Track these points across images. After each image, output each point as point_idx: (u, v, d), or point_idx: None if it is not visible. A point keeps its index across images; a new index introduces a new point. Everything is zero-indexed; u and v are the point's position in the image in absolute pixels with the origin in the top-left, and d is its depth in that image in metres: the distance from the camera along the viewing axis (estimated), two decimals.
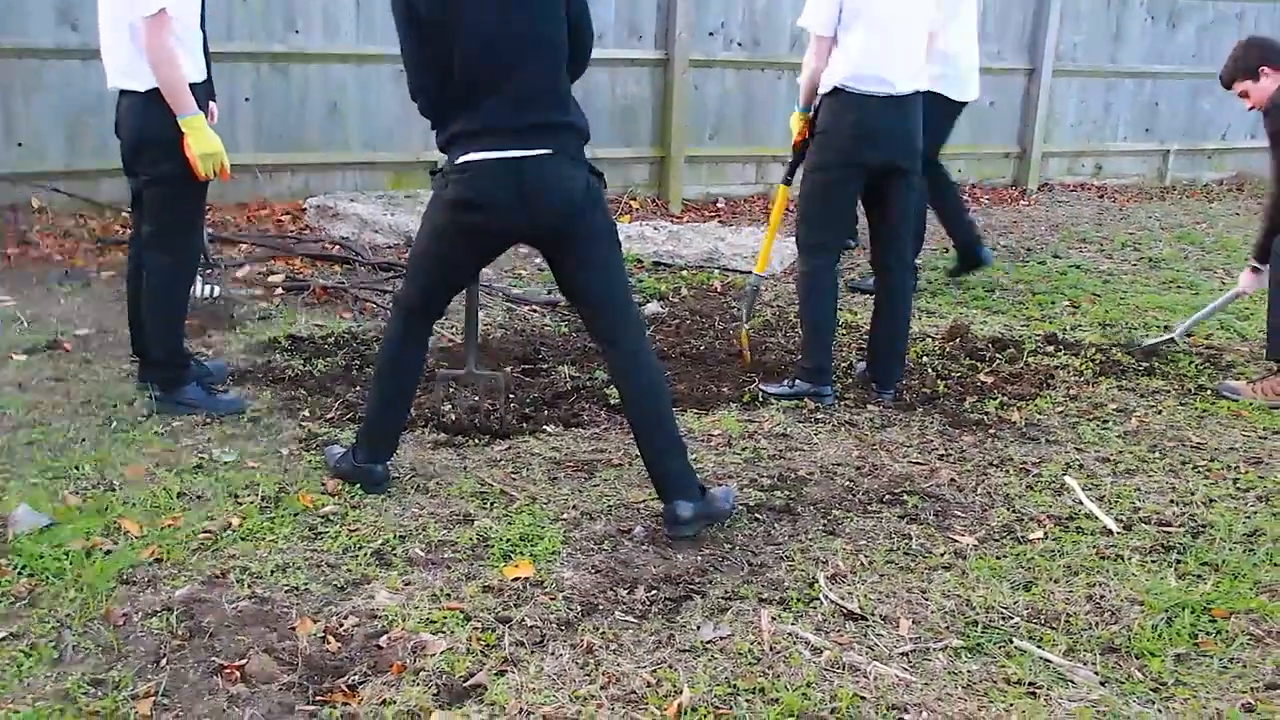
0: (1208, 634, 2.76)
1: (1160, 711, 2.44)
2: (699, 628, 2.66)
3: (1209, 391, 4.53)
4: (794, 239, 4.36)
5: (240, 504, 3.18)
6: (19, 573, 2.74)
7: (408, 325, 3.30)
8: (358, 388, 4.19)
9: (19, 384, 4.05)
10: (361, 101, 7.17)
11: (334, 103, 7.05)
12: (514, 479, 3.46)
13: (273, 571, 2.83)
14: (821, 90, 4.04)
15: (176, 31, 3.47)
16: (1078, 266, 6.91)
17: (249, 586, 2.75)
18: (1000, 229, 8.07)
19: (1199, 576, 3.04)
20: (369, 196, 6.92)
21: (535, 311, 5.42)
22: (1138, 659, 2.65)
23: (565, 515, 3.21)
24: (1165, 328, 5.37)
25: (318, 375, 4.32)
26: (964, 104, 5.71)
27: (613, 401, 4.10)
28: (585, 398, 4.18)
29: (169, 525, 3.03)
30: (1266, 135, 4.52)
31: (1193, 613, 2.84)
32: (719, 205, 8.48)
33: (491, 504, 3.27)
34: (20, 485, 3.23)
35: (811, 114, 4.13)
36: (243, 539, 2.99)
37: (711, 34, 8.25)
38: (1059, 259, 7.14)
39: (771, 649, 2.59)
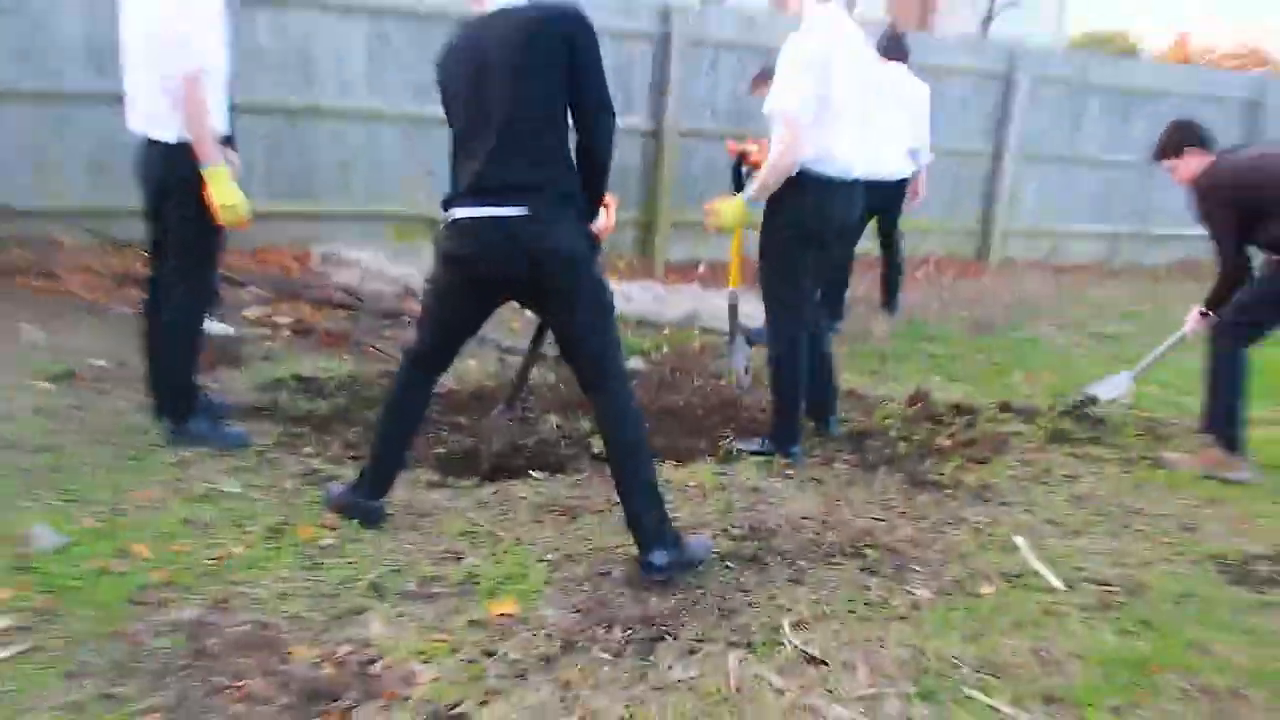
0: (1142, 688, 2.83)
1: None
2: (670, 667, 2.72)
3: (1149, 461, 4.64)
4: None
5: (245, 534, 3.23)
6: (38, 589, 2.78)
7: (412, 373, 3.39)
8: (358, 427, 4.25)
9: (41, 410, 4.10)
10: (369, 157, 7.30)
11: (343, 157, 7.18)
12: (501, 520, 3.52)
13: (274, 599, 2.87)
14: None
15: (207, 87, 3.57)
16: (1034, 340, 7.06)
17: (249, 611, 2.80)
18: (963, 302, 8.23)
19: (1135, 634, 3.12)
20: (372, 246, 7.01)
21: None
22: (1076, 708, 2.71)
23: (549, 556, 3.27)
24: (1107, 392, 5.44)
25: (320, 414, 4.38)
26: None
27: (596, 450, 4.18)
28: (571, 445, 4.25)
29: (178, 551, 3.08)
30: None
31: (1129, 668, 2.91)
32: (700, 269, 8.61)
33: (479, 543, 3.33)
34: (39, 506, 3.27)
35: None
36: (247, 567, 3.04)
37: (700, 107, 8.43)
38: (1016, 332, 7.28)
39: (738, 690, 2.65)
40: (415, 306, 6.37)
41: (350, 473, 3.71)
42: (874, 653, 2.90)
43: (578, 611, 2.96)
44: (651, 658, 2.76)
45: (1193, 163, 4.58)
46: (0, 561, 2.91)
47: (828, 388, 4.46)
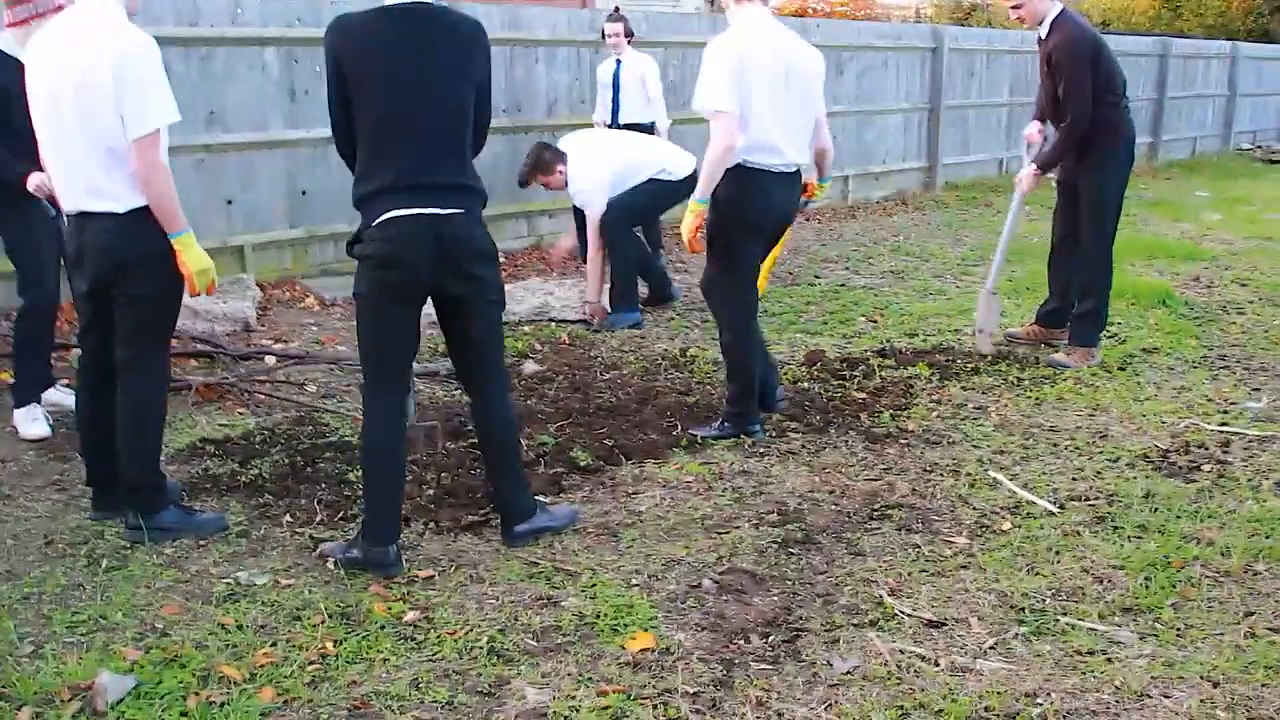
0: (1181, 583, 3.19)
1: (1196, 651, 2.81)
2: (830, 663, 2.76)
3: (1028, 383, 5.13)
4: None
5: (316, 627, 2.90)
6: None
7: (377, 403, 3.22)
8: (322, 483, 3.89)
9: None
10: None
11: None
12: (554, 554, 3.37)
13: (410, 691, 2.62)
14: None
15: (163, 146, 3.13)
16: (844, 285, 7.51)
17: (401, 711, 2.54)
18: None
19: (1141, 538, 3.50)
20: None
21: (433, 383, 5.21)
22: (1149, 613, 3.03)
23: (633, 581, 3.19)
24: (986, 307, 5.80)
25: (270, 478, 3.96)
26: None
27: (582, 463, 4.07)
28: (551, 463, 4.11)
29: (264, 663, 2.72)
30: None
31: (1158, 569, 3.27)
32: (501, 260, 8.42)
33: (558, 582, 3.18)
34: (60, 648, 2.77)
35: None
36: (350, 663, 2.74)
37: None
38: (821, 280, 7.72)
39: (900, 668, 2.73)
40: (266, 342, 5.86)
41: (344, 532, 3.46)
42: (969, 604, 3.08)
43: (703, 629, 2.92)
44: (804, 657, 2.79)
45: (1037, 4, 5.06)
46: None
47: (767, 364, 4.56)
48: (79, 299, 3.45)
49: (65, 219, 4.31)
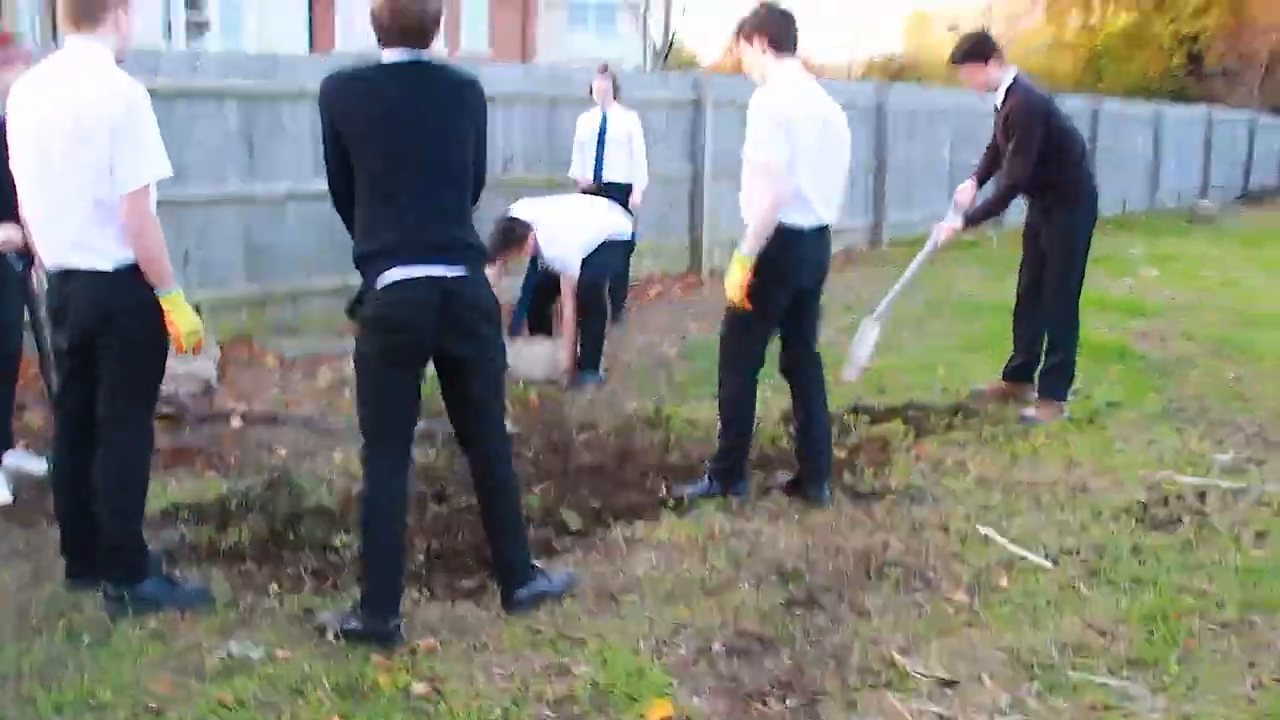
0: (1183, 635, 3.24)
1: (1208, 704, 2.86)
2: None
3: (1001, 438, 5.20)
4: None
5: (319, 702, 2.80)
6: None
7: (378, 466, 3.17)
8: (306, 551, 3.79)
9: None
10: None
11: None
12: (556, 620, 3.31)
13: None
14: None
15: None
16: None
17: None
18: (714, 313, 8.63)
19: (1136, 591, 3.56)
20: None
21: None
22: (1155, 667, 3.07)
23: (641, 646, 3.14)
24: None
25: (249, 544, 3.84)
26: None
27: (573, 527, 4.03)
28: (540, 525, 4.05)
29: None
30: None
31: (1157, 621, 3.32)
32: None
33: (564, 650, 3.12)
34: None
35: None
36: None
37: None
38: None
39: None
40: (229, 404, 5.72)
41: (332, 600, 3.38)
42: (979, 661, 3.09)
43: (720, 694, 2.89)
44: None
45: (994, 71, 5.21)
46: None
47: (822, 445, 4.44)
48: (60, 354, 3.34)
49: (38, 274, 4.21)
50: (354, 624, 3.12)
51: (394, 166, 3.02)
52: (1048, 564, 3.77)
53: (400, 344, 3.06)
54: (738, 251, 4.09)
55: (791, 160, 3.95)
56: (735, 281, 4.08)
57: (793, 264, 4.10)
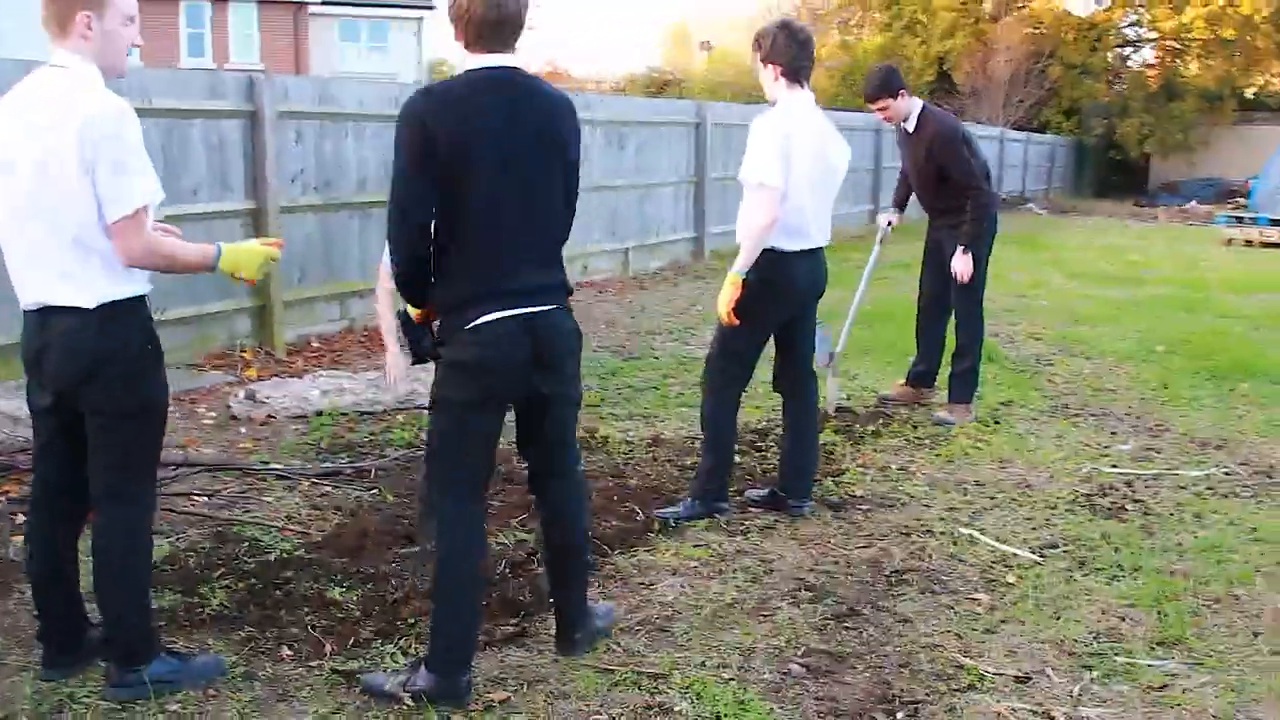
0: (1192, 613, 3.56)
1: (1244, 674, 3.16)
2: None
3: (928, 441, 5.50)
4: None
5: None
6: None
7: (458, 514, 3.00)
8: (304, 610, 3.52)
9: None
10: None
11: None
12: (618, 657, 3.24)
13: None
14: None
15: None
16: (687, 357, 7.68)
17: None
18: (587, 332, 8.60)
19: (1131, 575, 3.88)
20: (5, 388, 5.50)
21: (339, 486, 4.82)
22: (1181, 645, 3.36)
23: (726, 676, 3.12)
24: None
25: (241, 608, 3.52)
26: None
27: None
28: (540, 562, 3.92)
29: None
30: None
31: (1164, 601, 3.64)
32: (314, 345, 7.98)
33: (656, 689, 3.05)
34: None
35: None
36: None
37: (293, 180, 7.78)
38: (656, 351, 7.85)
39: None
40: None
41: (363, 662, 3.17)
42: (1034, 655, 3.30)
43: (828, 716, 2.92)
44: None
45: (902, 104, 5.56)
46: None
47: (806, 464, 4.54)
48: (37, 414, 2.96)
49: None
50: (420, 684, 2.94)
51: (492, 193, 2.78)
52: (1036, 559, 4.03)
53: (494, 387, 2.90)
54: (729, 270, 4.15)
55: (786, 185, 4.06)
56: (728, 298, 4.13)
57: (784, 286, 4.22)
